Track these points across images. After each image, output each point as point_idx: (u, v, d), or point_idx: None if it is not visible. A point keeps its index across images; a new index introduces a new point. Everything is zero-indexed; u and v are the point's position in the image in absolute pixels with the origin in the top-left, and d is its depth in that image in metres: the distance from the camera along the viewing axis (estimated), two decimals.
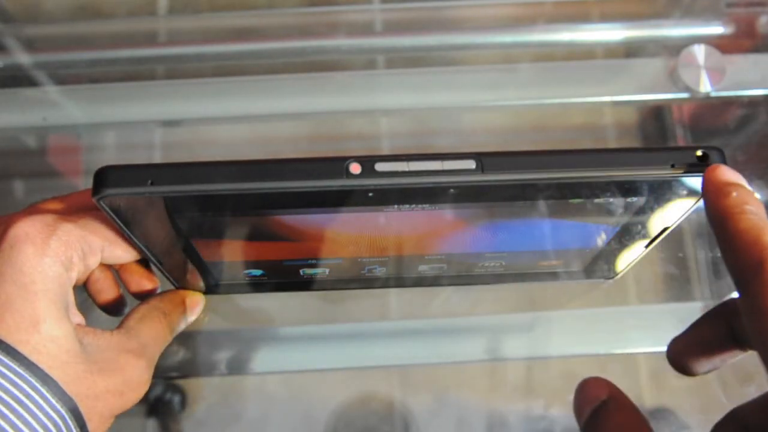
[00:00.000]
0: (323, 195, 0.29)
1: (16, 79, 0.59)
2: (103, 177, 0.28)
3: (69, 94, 0.58)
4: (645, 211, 0.33)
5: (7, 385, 0.29)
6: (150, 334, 0.35)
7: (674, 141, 0.62)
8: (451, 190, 0.29)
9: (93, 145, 0.63)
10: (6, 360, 0.29)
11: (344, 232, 0.35)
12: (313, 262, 0.40)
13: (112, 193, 0.28)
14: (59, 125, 0.57)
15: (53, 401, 0.30)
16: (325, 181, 0.28)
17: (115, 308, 0.38)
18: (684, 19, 0.62)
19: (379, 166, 0.28)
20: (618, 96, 0.58)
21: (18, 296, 0.30)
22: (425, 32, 0.61)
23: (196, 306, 0.40)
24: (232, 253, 0.38)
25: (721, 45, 0.58)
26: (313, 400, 0.55)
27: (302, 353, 0.51)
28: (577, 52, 0.64)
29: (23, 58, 0.59)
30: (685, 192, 0.31)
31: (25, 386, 0.29)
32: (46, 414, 0.30)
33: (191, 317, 0.39)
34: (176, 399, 0.54)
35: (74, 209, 0.34)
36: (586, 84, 0.59)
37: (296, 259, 0.39)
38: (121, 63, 0.60)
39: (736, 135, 0.59)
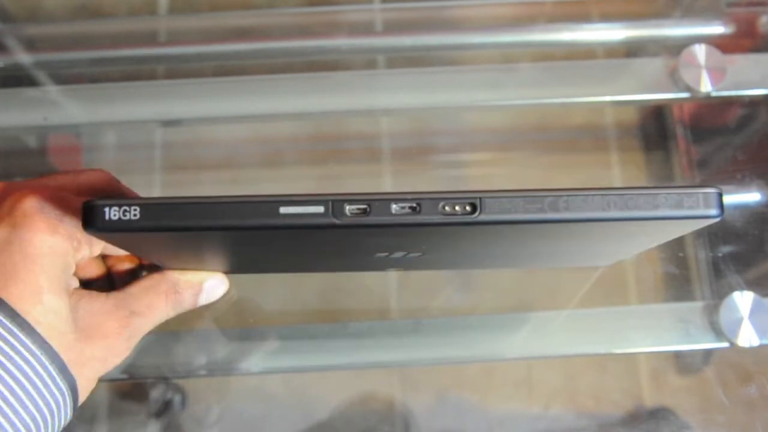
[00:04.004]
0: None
1: (16, 78, 0.59)
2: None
3: (69, 93, 0.58)
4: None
5: (21, 363, 0.29)
6: (148, 304, 0.35)
7: (675, 141, 0.62)
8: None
9: (93, 145, 0.63)
10: (18, 333, 0.29)
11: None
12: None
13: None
14: (60, 125, 0.57)
15: (58, 380, 0.31)
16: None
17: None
18: (684, 18, 0.62)
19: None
20: (618, 96, 0.58)
21: (24, 267, 0.30)
22: (425, 32, 0.61)
23: (216, 289, 0.38)
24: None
25: (721, 45, 0.58)
26: (313, 400, 0.55)
27: (302, 353, 0.51)
28: (578, 52, 0.64)
29: (23, 58, 0.59)
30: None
31: (36, 365, 0.30)
32: (51, 393, 0.31)
33: (210, 299, 0.38)
34: (176, 399, 0.54)
35: (84, 190, 0.34)
36: (586, 84, 0.58)
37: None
38: (121, 63, 0.60)
39: (737, 135, 0.59)
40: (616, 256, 0.42)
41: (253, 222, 0.26)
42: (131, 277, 0.38)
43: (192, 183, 0.63)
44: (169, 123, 0.58)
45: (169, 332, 0.51)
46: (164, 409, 0.53)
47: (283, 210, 0.26)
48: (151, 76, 0.63)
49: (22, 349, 0.30)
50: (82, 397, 0.33)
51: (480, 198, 0.26)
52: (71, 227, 0.31)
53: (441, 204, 0.26)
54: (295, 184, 0.63)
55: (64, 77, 0.60)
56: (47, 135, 0.62)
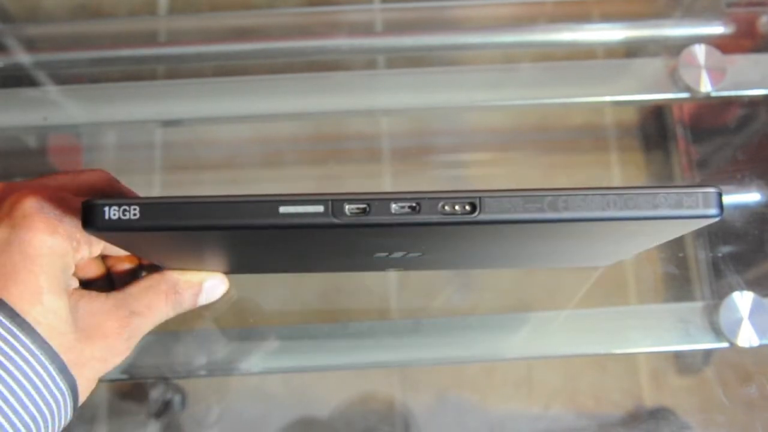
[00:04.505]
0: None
1: (16, 78, 0.59)
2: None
3: (69, 93, 0.58)
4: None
5: (21, 363, 0.29)
6: (148, 304, 0.35)
7: (675, 141, 0.62)
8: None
9: (93, 145, 0.63)
10: (18, 333, 0.29)
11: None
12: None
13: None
14: (60, 125, 0.57)
15: (58, 380, 0.31)
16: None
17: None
18: (684, 18, 0.62)
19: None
20: (618, 96, 0.58)
21: (23, 267, 0.30)
22: (425, 32, 0.61)
23: (216, 289, 0.38)
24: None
25: (721, 45, 0.58)
26: (313, 400, 0.55)
27: (302, 353, 0.51)
28: (578, 52, 0.64)
29: (23, 58, 0.59)
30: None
31: (36, 365, 0.30)
32: (51, 393, 0.30)
33: (210, 299, 0.38)
34: (176, 399, 0.54)
35: (84, 190, 0.35)
36: (586, 84, 0.59)
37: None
38: (121, 63, 0.60)
39: (737, 135, 0.59)
40: (615, 256, 0.42)
41: (252, 221, 0.26)
42: (131, 277, 0.38)
43: (192, 183, 0.63)
44: (169, 123, 0.58)
45: (169, 332, 0.51)
46: (164, 409, 0.53)
47: (282, 209, 0.26)
48: (151, 76, 0.63)
49: (21, 349, 0.30)
50: (83, 397, 0.33)
51: (479, 197, 0.26)
52: (71, 227, 0.31)
53: (440, 203, 0.26)
54: (295, 184, 0.63)
55: (64, 77, 0.60)
56: (47, 135, 0.62)
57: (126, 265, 0.38)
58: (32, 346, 0.30)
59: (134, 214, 0.26)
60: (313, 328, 0.53)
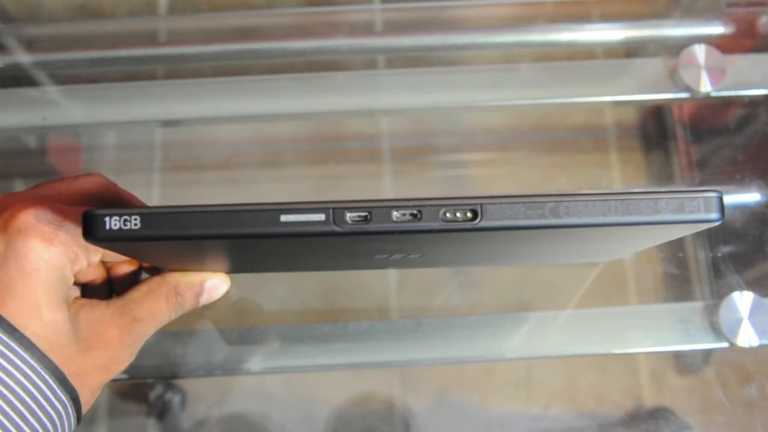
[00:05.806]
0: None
1: (16, 79, 0.59)
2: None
3: (69, 93, 0.58)
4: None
5: (20, 377, 0.29)
6: (149, 309, 0.35)
7: (674, 141, 0.62)
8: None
9: (93, 145, 0.63)
10: (17, 348, 0.29)
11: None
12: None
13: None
14: (59, 125, 0.57)
15: (59, 392, 0.31)
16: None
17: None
18: (684, 18, 0.62)
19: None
20: (618, 96, 0.58)
21: (20, 281, 0.30)
22: (425, 32, 0.61)
23: (217, 288, 0.39)
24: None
25: (721, 45, 0.58)
26: (313, 400, 0.55)
27: (302, 353, 0.51)
28: (578, 52, 0.64)
29: (23, 58, 0.59)
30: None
31: (36, 378, 0.30)
32: (52, 405, 0.30)
33: (212, 299, 0.38)
34: (176, 399, 0.54)
35: (81, 197, 0.34)
36: (586, 84, 0.58)
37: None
38: (121, 63, 0.60)
39: (737, 135, 0.59)
40: (615, 254, 0.42)
41: (253, 230, 0.26)
42: (131, 279, 0.38)
43: (192, 183, 0.63)
44: (169, 123, 0.58)
45: (169, 333, 0.51)
46: (164, 409, 0.53)
47: (283, 218, 0.26)
48: (151, 76, 0.63)
49: (21, 363, 0.29)
50: (87, 406, 0.33)
51: (481, 204, 0.26)
52: (67, 239, 0.31)
53: (442, 211, 0.26)
54: (295, 184, 0.63)
55: (64, 77, 0.60)
56: (47, 135, 0.62)
57: (126, 269, 0.37)
58: (31, 360, 0.30)
59: (135, 224, 0.26)
60: (313, 328, 0.53)
